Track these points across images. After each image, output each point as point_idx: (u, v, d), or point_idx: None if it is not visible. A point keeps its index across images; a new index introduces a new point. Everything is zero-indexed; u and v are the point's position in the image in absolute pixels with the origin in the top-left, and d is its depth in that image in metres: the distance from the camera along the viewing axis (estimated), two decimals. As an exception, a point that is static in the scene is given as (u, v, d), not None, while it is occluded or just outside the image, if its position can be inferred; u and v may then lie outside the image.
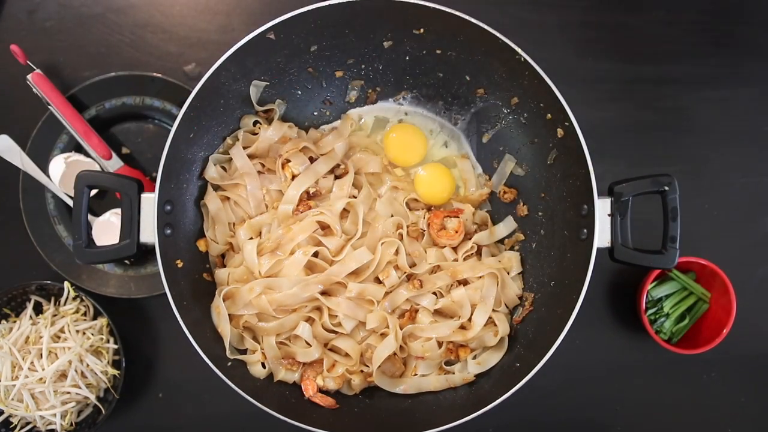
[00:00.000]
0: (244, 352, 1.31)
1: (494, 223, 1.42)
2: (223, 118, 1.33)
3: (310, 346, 1.29)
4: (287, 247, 1.28)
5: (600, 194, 1.19)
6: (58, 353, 1.35)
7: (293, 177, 1.34)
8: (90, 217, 1.41)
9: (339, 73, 1.39)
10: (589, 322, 1.49)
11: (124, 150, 1.49)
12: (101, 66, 1.50)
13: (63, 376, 1.35)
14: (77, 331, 1.37)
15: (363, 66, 1.38)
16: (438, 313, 1.34)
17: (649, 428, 1.51)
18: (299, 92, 1.40)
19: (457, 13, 1.22)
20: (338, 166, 1.39)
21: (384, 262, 1.31)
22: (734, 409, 1.52)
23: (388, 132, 1.44)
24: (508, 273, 1.37)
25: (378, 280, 1.33)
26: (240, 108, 1.35)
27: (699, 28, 1.59)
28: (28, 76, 1.41)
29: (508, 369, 1.29)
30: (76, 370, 1.35)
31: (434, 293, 1.34)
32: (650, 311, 1.46)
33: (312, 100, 1.42)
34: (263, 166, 1.36)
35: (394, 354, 1.31)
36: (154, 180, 1.31)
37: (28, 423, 1.38)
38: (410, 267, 1.33)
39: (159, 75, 1.46)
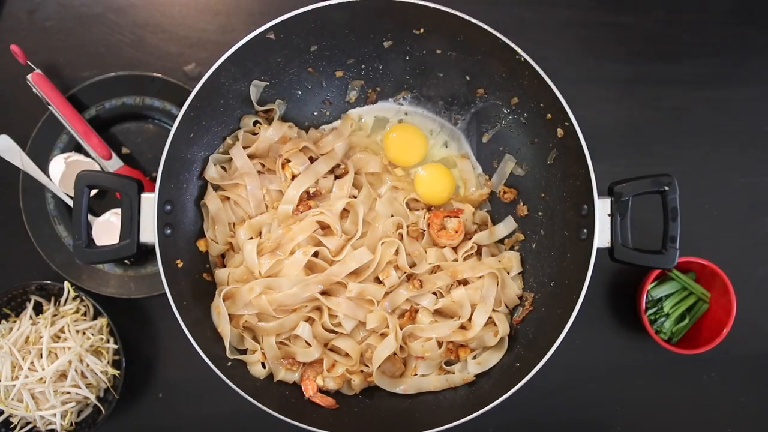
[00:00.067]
0: (244, 352, 1.31)
1: (494, 223, 1.42)
2: (223, 118, 1.33)
3: (310, 346, 1.29)
4: (287, 247, 1.28)
5: (600, 194, 1.19)
6: (58, 353, 1.35)
7: (293, 177, 1.34)
8: (90, 217, 1.41)
9: (339, 73, 1.39)
10: (589, 322, 1.49)
11: (124, 150, 1.49)
12: (101, 66, 1.50)
13: (63, 376, 1.35)
14: (77, 331, 1.37)
15: (363, 66, 1.38)
16: (438, 313, 1.34)
17: (649, 428, 1.51)
18: (299, 92, 1.40)
19: (457, 13, 1.22)
20: (338, 166, 1.39)
21: (384, 262, 1.31)
22: (734, 409, 1.52)
23: (388, 132, 1.44)
24: (508, 273, 1.37)
25: (378, 280, 1.33)
26: (240, 108, 1.35)
27: (699, 28, 1.59)
28: (28, 76, 1.41)
29: (508, 369, 1.29)
30: (76, 370, 1.35)
31: (434, 293, 1.34)
32: (650, 311, 1.46)
33: (312, 100, 1.42)
34: (263, 166, 1.36)
35: (394, 354, 1.31)
36: (154, 180, 1.31)
37: (28, 423, 1.38)
38: (410, 267, 1.33)
39: (159, 75, 1.46)
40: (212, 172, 1.33)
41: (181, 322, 1.17)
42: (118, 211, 1.41)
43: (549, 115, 1.27)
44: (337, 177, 1.39)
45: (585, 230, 1.21)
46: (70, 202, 1.43)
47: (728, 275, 1.40)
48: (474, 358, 1.33)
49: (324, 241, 1.30)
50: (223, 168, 1.36)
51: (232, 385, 1.18)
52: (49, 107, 1.42)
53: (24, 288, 1.39)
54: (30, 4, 1.52)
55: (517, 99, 1.33)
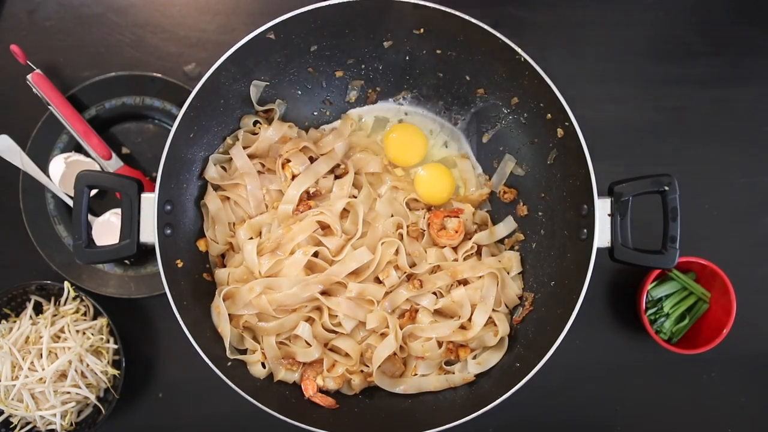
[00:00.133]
0: (244, 352, 1.31)
1: (494, 223, 1.42)
2: (223, 118, 1.33)
3: (310, 346, 1.29)
4: (287, 247, 1.28)
5: (600, 194, 1.19)
6: (58, 353, 1.35)
7: (293, 177, 1.34)
8: (90, 217, 1.41)
9: (339, 73, 1.39)
10: (589, 322, 1.49)
11: (124, 150, 1.49)
12: (101, 66, 1.50)
13: (63, 376, 1.35)
14: (77, 331, 1.37)
15: (363, 66, 1.38)
16: (438, 313, 1.34)
17: (649, 428, 1.51)
18: (299, 92, 1.40)
19: (457, 13, 1.22)
20: (338, 166, 1.39)
21: (384, 262, 1.31)
22: (734, 409, 1.52)
23: (388, 132, 1.44)
24: (508, 273, 1.37)
25: (378, 280, 1.33)
26: (240, 108, 1.35)
27: (699, 28, 1.58)
28: (28, 76, 1.41)
29: (508, 369, 1.29)
30: (76, 370, 1.35)
31: (434, 293, 1.34)
32: (650, 311, 1.46)
33: (312, 100, 1.42)
34: (263, 166, 1.36)
35: (394, 354, 1.31)
36: (154, 180, 1.31)
37: (28, 423, 1.38)
38: (410, 267, 1.33)
39: (159, 75, 1.46)
40: (212, 172, 1.33)
41: (181, 322, 1.17)
42: (118, 211, 1.41)
43: (549, 115, 1.27)
44: (337, 177, 1.39)
45: (585, 230, 1.21)
46: (70, 202, 1.43)
47: (728, 275, 1.40)
48: (474, 358, 1.33)
49: (324, 241, 1.30)
50: (223, 168, 1.36)
51: (232, 385, 1.18)
52: (49, 107, 1.42)
53: (24, 288, 1.39)
54: (30, 4, 1.52)
55: (517, 99, 1.33)
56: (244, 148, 1.34)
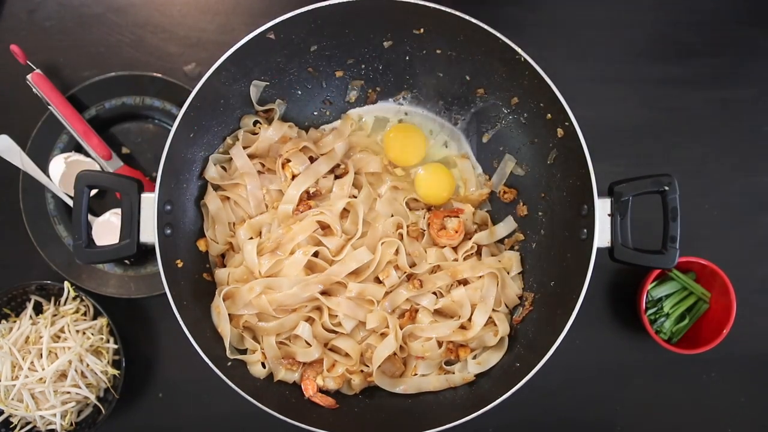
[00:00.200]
0: (244, 352, 1.31)
1: (494, 223, 1.42)
2: (223, 118, 1.33)
3: (310, 345, 1.29)
4: (287, 246, 1.28)
5: (600, 194, 1.19)
6: (58, 353, 1.35)
7: (293, 177, 1.34)
8: (90, 217, 1.41)
9: (339, 73, 1.39)
10: (589, 322, 1.49)
11: (124, 150, 1.49)
12: (101, 66, 1.50)
13: (63, 376, 1.35)
14: (77, 331, 1.37)
15: (363, 66, 1.38)
16: (438, 312, 1.34)
17: (649, 428, 1.51)
18: (299, 92, 1.40)
19: (457, 13, 1.22)
20: (338, 166, 1.39)
21: (384, 261, 1.31)
22: (734, 409, 1.52)
23: (388, 132, 1.44)
24: (508, 273, 1.37)
25: (378, 280, 1.33)
26: (240, 108, 1.35)
27: (699, 28, 1.59)
28: (28, 76, 1.41)
29: (508, 369, 1.29)
30: (76, 370, 1.35)
31: (434, 293, 1.34)
32: (650, 311, 1.46)
33: (312, 100, 1.42)
34: (263, 165, 1.36)
35: (394, 354, 1.31)
36: (154, 180, 1.31)
37: (28, 423, 1.38)
38: (410, 267, 1.33)
39: (159, 75, 1.46)
40: (212, 172, 1.34)
41: (181, 322, 1.17)
42: (118, 211, 1.41)
43: (549, 115, 1.27)
44: (337, 177, 1.39)
45: (585, 230, 1.21)
46: (70, 202, 1.43)
47: (728, 275, 1.40)
48: (474, 358, 1.33)
49: (324, 240, 1.30)
50: (223, 168, 1.36)
51: (232, 385, 1.18)
52: (49, 107, 1.42)
53: (24, 288, 1.39)
54: (30, 4, 1.52)
55: (517, 99, 1.33)
56: (244, 148, 1.34)
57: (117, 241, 1.19)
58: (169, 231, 1.23)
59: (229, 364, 1.25)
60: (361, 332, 1.32)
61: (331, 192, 1.36)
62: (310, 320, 1.30)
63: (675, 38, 1.58)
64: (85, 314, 1.41)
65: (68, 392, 1.35)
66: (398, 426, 1.27)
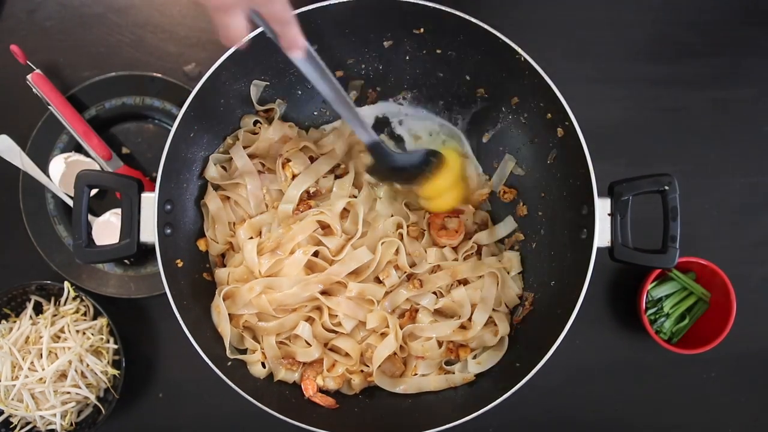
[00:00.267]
0: (244, 351, 1.31)
1: (494, 223, 1.42)
2: (223, 118, 1.33)
3: (310, 345, 1.29)
4: (287, 246, 1.28)
5: (600, 194, 1.19)
6: (58, 353, 1.35)
7: (293, 176, 1.34)
8: (90, 217, 1.41)
9: (339, 73, 1.38)
10: (589, 322, 1.49)
11: (124, 150, 1.49)
12: (101, 66, 1.50)
13: (63, 376, 1.35)
14: (77, 331, 1.37)
15: (363, 66, 1.38)
16: (438, 312, 1.34)
17: (649, 428, 1.51)
18: (299, 92, 1.40)
19: (457, 13, 1.21)
20: (338, 165, 1.39)
21: (384, 261, 1.31)
22: (734, 409, 1.52)
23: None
24: (508, 273, 1.37)
25: (378, 280, 1.33)
26: (240, 108, 1.35)
27: (699, 28, 1.58)
28: (28, 76, 1.41)
29: (509, 369, 1.28)
30: (76, 370, 1.35)
31: (434, 293, 1.34)
32: (650, 311, 1.46)
33: (312, 100, 1.42)
34: (263, 165, 1.36)
35: (394, 354, 1.31)
36: (154, 180, 1.31)
37: (28, 423, 1.38)
38: (410, 267, 1.33)
39: (159, 75, 1.46)
40: (212, 172, 1.34)
41: (181, 322, 1.17)
42: (118, 211, 1.41)
43: (549, 114, 1.27)
44: (337, 177, 1.39)
45: (585, 230, 1.21)
46: (70, 202, 1.43)
47: (728, 275, 1.40)
48: (474, 357, 1.33)
49: (324, 240, 1.30)
50: (224, 168, 1.36)
51: (233, 385, 1.17)
52: (49, 107, 1.42)
53: (24, 288, 1.39)
54: (30, 4, 1.52)
55: (517, 99, 1.33)
56: (245, 147, 1.34)
57: (117, 241, 1.19)
58: (169, 231, 1.23)
59: (229, 363, 1.25)
60: (361, 332, 1.32)
61: (331, 192, 1.36)
62: (310, 320, 1.30)
63: (675, 38, 1.58)
64: (85, 314, 1.41)
65: (68, 392, 1.35)
66: (398, 426, 1.27)
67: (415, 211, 1.39)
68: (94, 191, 1.45)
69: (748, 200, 1.56)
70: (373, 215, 1.35)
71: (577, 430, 1.51)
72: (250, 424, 1.45)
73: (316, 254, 1.29)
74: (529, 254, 1.39)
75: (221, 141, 1.35)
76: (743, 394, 1.52)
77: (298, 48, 1.00)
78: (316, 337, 1.29)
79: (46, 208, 1.45)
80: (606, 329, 1.51)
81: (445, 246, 1.37)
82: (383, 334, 1.31)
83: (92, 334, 1.37)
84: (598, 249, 1.18)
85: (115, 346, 1.38)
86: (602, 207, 1.19)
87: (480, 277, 1.34)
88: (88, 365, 1.36)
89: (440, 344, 1.31)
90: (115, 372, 1.37)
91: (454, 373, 1.32)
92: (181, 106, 1.20)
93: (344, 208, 1.33)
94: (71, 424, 1.37)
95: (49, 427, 1.37)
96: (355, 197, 1.35)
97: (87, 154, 1.46)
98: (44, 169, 1.43)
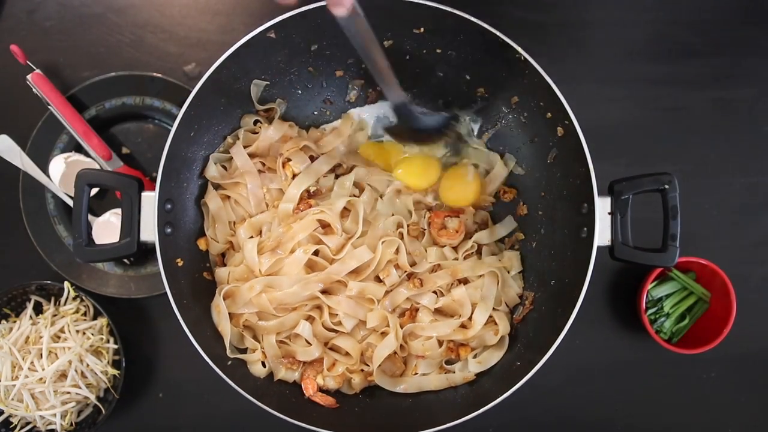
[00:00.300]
0: (244, 351, 1.31)
1: (494, 222, 1.42)
2: (223, 117, 1.33)
3: (311, 345, 1.29)
4: (288, 245, 1.28)
5: (600, 193, 1.19)
6: (58, 353, 1.35)
7: (294, 176, 1.34)
8: (90, 217, 1.41)
9: (339, 73, 1.39)
10: (589, 321, 1.49)
11: (124, 150, 1.49)
12: (101, 66, 1.50)
13: (63, 376, 1.35)
14: (77, 331, 1.37)
15: (363, 65, 1.37)
16: (438, 312, 1.34)
17: (649, 428, 1.51)
18: (300, 91, 1.40)
19: (458, 13, 1.22)
20: (339, 165, 1.39)
21: (384, 260, 1.31)
22: (734, 409, 1.52)
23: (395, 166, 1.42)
24: (508, 272, 1.37)
25: (378, 279, 1.33)
26: (240, 107, 1.35)
27: (699, 28, 1.59)
28: (28, 76, 1.41)
29: (509, 368, 1.28)
30: (76, 370, 1.35)
31: (435, 292, 1.34)
32: (650, 311, 1.46)
33: (312, 100, 1.42)
34: (264, 165, 1.36)
35: (395, 353, 1.31)
36: (154, 180, 1.31)
37: (28, 423, 1.38)
38: (411, 266, 1.33)
39: (159, 75, 1.46)
40: (213, 171, 1.34)
41: (182, 321, 1.17)
42: (118, 211, 1.41)
43: (549, 113, 1.27)
44: (337, 176, 1.39)
45: (585, 229, 1.21)
46: (70, 202, 1.43)
47: (728, 275, 1.40)
48: (474, 357, 1.32)
49: (324, 239, 1.30)
50: (224, 167, 1.36)
51: (233, 385, 1.17)
52: (49, 107, 1.42)
53: (24, 288, 1.39)
54: (30, 4, 1.53)
55: (517, 98, 1.33)
56: (245, 147, 1.34)
57: (117, 240, 1.19)
58: (169, 230, 1.23)
59: (230, 363, 1.25)
60: (362, 331, 1.32)
61: (331, 191, 1.36)
62: (310, 319, 1.30)
63: (675, 38, 1.58)
64: (85, 314, 1.41)
65: (68, 392, 1.35)
66: (399, 425, 1.27)
67: (416, 210, 1.39)
68: (94, 190, 1.45)
69: (748, 200, 1.56)
70: (373, 214, 1.36)
71: (577, 430, 1.51)
72: (250, 423, 1.44)
73: (316, 253, 1.29)
74: (529, 253, 1.39)
75: (221, 140, 1.35)
76: (743, 394, 1.52)
77: (342, 5, 0.99)
78: (316, 336, 1.29)
79: (46, 208, 1.45)
80: (606, 329, 1.51)
81: (445, 245, 1.37)
82: (383, 334, 1.31)
83: (92, 334, 1.37)
84: (598, 248, 1.18)
85: (115, 346, 1.38)
86: (602, 206, 1.19)
87: (480, 276, 1.34)
88: (88, 365, 1.36)
89: (440, 343, 1.31)
90: (115, 372, 1.37)
91: (454, 372, 1.32)
92: (181, 106, 1.20)
93: (344, 207, 1.33)
94: (71, 424, 1.37)
95: (49, 427, 1.37)
96: (356, 196, 1.35)
97: (87, 154, 1.46)
98: (44, 169, 1.43)
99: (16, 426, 1.37)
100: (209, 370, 1.17)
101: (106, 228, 1.43)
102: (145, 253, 1.20)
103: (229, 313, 1.27)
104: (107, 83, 1.46)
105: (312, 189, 1.34)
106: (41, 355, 1.33)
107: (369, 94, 1.43)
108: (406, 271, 1.33)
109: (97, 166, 1.45)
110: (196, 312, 1.25)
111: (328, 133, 1.42)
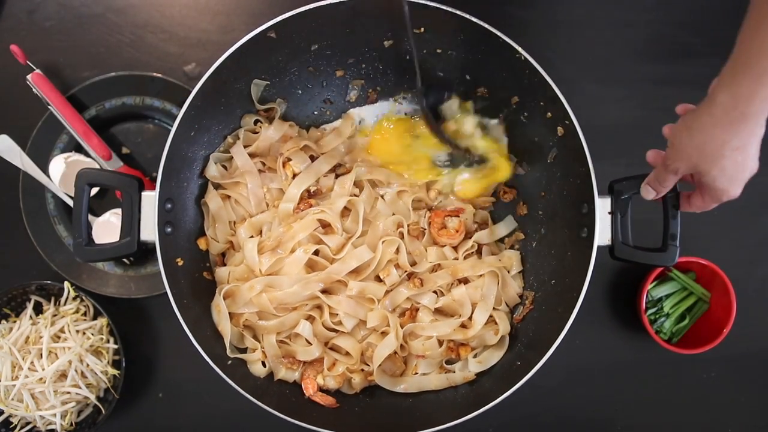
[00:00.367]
0: (244, 350, 1.31)
1: (494, 222, 1.42)
2: (223, 117, 1.33)
3: (311, 344, 1.29)
4: (288, 245, 1.28)
5: (600, 192, 1.19)
6: (58, 353, 1.35)
7: (294, 175, 1.34)
8: (90, 217, 1.41)
9: (339, 73, 1.39)
10: (589, 321, 1.49)
11: (124, 150, 1.49)
12: (101, 66, 1.50)
13: (63, 376, 1.35)
14: (77, 331, 1.36)
15: (363, 65, 1.39)
16: (438, 311, 1.34)
17: (649, 428, 1.51)
18: (300, 91, 1.40)
19: (458, 12, 1.22)
20: (339, 165, 1.39)
21: (385, 260, 1.31)
22: (734, 409, 1.52)
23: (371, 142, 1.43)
24: (508, 272, 1.37)
25: (378, 279, 1.33)
26: (241, 107, 1.35)
27: (699, 28, 1.59)
28: (28, 76, 1.41)
29: (509, 368, 1.29)
30: (76, 370, 1.34)
31: (435, 292, 1.34)
32: (650, 311, 1.46)
33: (312, 99, 1.42)
34: (264, 164, 1.36)
35: (395, 353, 1.31)
36: (153, 180, 1.31)
37: (28, 423, 1.38)
38: (411, 266, 1.33)
39: (159, 75, 1.46)
40: (213, 171, 1.34)
41: (182, 321, 1.17)
42: (118, 211, 1.41)
43: (549, 113, 1.27)
44: (338, 176, 1.39)
45: (585, 228, 1.21)
46: (70, 202, 1.43)
47: (728, 275, 1.40)
48: (475, 356, 1.33)
49: (325, 239, 1.30)
50: (224, 167, 1.36)
51: (233, 384, 1.17)
52: (49, 107, 1.42)
53: (24, 288, 1.39)
54: (30, 4, 1.52)
55: (518, 98, 1.33)
56: (245, 146, 1.34)
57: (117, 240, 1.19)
58: (169, 229, 1.23)
59: (230, 363, 1.25)
60: (362, 331, 1.32)
61: (332, 191, 1.36)
62: (310, 319, 1.30)
63: (675, 38, 1.58)
64: (85, 314, 1.41)
65: (68, 392, 1.35)
66: (399, 425, 1.27)
67: (416, 210, 1.39)
68: (94, 190, 1.45)
69: (748, 200, 1.54)
70: (373, 214, 1.36)
71: (577, 430, 1.51)
72: (250, 423, 1.44)
73: (316, 253, 1.29)
74: (529, 253, 1.39)
75: (222, 140, 1.35)
76: (743, 394, 1.52)
77: None
78: (316, 335, 1.29)
79: (46, 208, 1.45)
80: (606, 329, 1.51)
81: (445, 245, 1.37)
82: (384, 333, 1.31)
83: (92, 334, 1.37)
84: (599, 248, 1.18)
85: (115, 346, 1.38)
86: (602, 205, 1.19)
87: (480, 276, 1.34)
88: (88, 365, 1.36)
89: (441, 343, 1.31)
90: (115, 372, 1.37)
91: (454, 372, 1.32)
92: (181, 106, 1.20)
93: (345, 207, 1.33)
94: (71, 424, 1.37)
95: (49, 427, 1.37)
96: (356, 196, 1.35)
97: (87, 154, 1.45)
98: (44, 169, 1.43)
99: (16, 426, 1.37)
100: (209, 370, 1.17)
101: (106, 228, 1.43)
102: (145, 252, 1.20)
103: (229, 313, 1.27)
104: (107, 83, 1.46)
105: (312, 189, 1.34)
106: (41, 355, 1.33)
107: (369, 94, 1.43)
108: (406, 271, 1.33)
109: (97, 166, 1.44)
110: (196, 312, 1.25)
111: (328, 133, 1.42)
